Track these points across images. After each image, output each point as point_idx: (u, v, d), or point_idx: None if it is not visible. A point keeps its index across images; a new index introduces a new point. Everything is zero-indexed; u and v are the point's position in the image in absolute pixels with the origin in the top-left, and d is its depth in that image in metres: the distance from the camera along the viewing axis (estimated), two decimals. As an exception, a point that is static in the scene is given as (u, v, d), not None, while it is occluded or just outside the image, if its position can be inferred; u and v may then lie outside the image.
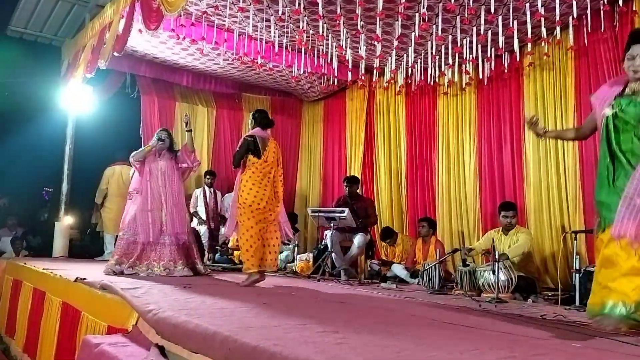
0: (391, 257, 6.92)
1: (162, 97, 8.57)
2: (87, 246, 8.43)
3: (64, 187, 7.98)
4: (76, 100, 7.83)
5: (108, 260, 7.52)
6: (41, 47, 8.58)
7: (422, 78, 6.94)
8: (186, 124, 5.53)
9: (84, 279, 4.14)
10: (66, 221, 7.91)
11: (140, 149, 5.64)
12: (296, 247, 7.15)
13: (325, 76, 7.35)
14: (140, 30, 6.14)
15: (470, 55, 6.13)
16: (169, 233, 5.30)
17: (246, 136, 4.79)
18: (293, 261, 7.15)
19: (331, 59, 6.64)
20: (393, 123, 7.96)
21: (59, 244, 7.68)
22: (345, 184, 6.82)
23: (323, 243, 6.92)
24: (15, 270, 6.11)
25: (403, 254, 6.71)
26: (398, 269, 6.37)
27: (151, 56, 7.75)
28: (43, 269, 5.16)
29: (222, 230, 5.69)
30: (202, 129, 8.94)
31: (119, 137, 8.15)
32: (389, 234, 6.90)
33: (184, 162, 5.57)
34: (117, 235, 7.81)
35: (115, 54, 6.20)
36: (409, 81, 7.16)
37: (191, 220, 8.22)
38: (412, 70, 6.95)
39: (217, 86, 8.79)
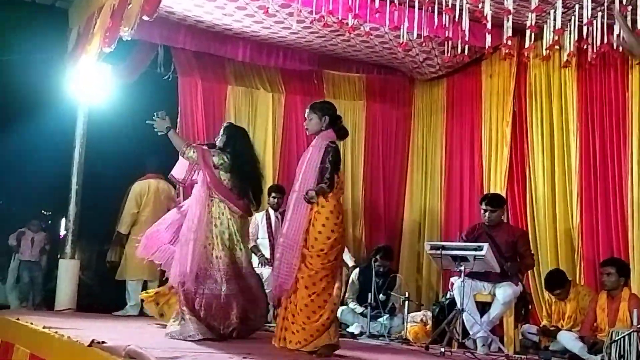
0: (556, 318, 6.77)
1: (208, 79, 8.90)
2: (101, 295, 8.83)
3: (72, 209, 8.40)
4: (89, 85, 8.25)
5: (129, 314, 7.94)
6: (41, 11, 9.09)
7: (605, 41, 6.75)
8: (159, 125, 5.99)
9: (103, 342, 4.32)
10: (72, 258, 8.31)
11: None
12: (406, 302, 7.13)
13: (451, 42, 7.31)
14: (180, -17, 6.42)
15: (685, 4, 5.89)
16: None
17: (331, 142, 5.06)
18: (402, 323, 7.15)
19: (460, 16, 6.61)
20: (557, 111, 7.80)
21: (65, 291, 8.09)
22: (483, 207, 6.75)
23: (449, 296, 6.86)
24: (5, 328, 6.44)
25: (577, 314, 6.56)
26: (568, 339, 6.21)
27: (193, 20, 8.08)
28: (44, 328, 5.44)
29: None
30: (265, 124, 9.21)
31: (148, 137, 8.45)
32: (559, 281, 6.76)
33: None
34: (146, 282, 8.18)
35: (145, 18, 6.46)
36: (584, 46, 6.97)
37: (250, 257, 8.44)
38: (587, 29, 6.77)
39: (288, 61, 9.02)
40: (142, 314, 8.13)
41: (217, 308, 5.70)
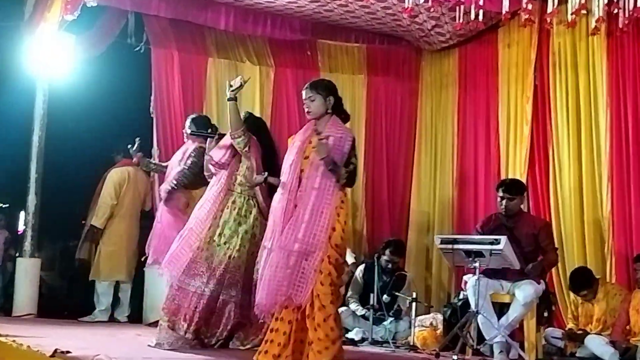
0: (584, 321, 6.81)
1: (185, 51, 8.89)
2: (66, 298, 8.84)
3: (31, 200, 8.42)
4: (49, 58, 8.23)
5: (97, 320, 7.98)
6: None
7: (639, 5, 6.75)
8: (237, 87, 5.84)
9: (67, 352, 4.36)
10: (33, 257, 8.32)
11: None
12: (414, 304, 7.16)
13: (463, 6, 7.29)
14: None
15: None
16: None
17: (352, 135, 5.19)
18: (409, 327, 7.19)
19: (473, -23, 6.61)
20: (584, 85, 7.80)
21: (25, 294, 8.11)
22: (499, 194, 6.74)
23: (462, 296, 6.91)
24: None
25: (607, 316, 6.58)
26: (597, 344, 6.24)
27: (169, -18, 8.10)
28: (0, 336, 5.48)
29: None
30: (251, 101, 9.15)
31: (118, 117, 8.46)
32: (585, 281, 6.76)
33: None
34: (118, 283, 8.22)
35: (113, -20, 6.48)
36: (614, 11, 6.97)
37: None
38: (619, -9, 6.78)
39: (277, 30, 8.97)
40: (112, 319, 8.17)
41: (212, 312, 5.80)
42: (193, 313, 5.71)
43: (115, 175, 8.21)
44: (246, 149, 5.99)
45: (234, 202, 5.97)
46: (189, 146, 7.17)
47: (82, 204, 8.42)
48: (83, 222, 8.52)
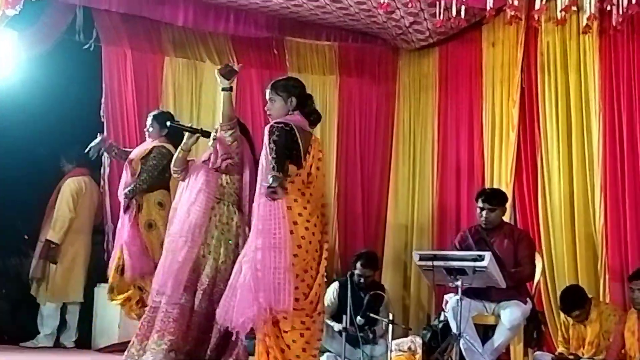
0: (576, 345, 6.83)
1: (139, 48, 8.84)
2: (6, 321, 8.72)
3: (-29, 213, 8.33)
4: (-10, 57, 8.16)
5: (41, 345, 7.90)
6: None
7: (633, 1, 6.78)
8: (226, 73, 6.01)
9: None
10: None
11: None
12: (390, 327, 7.13)
13: (444, 1, 7.31)
14: None
15: None
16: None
17: (277, 123, 5.08)
18: (386, 352, 7.14)
19: (455, -30, 6.63)
20: (575, 88, 7.83)
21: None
22: (479, 205, 6.80)
23: (442, 318, 6.90)
24: None
25: (600, 339, 6.61)
26: (590, 370, 6.27)
27: (121, -26, 8.05)
28: None
29: None
30: (212, 104, 9.07)
31: (67, 121, 8.38)
32: (577, 301, 6.79)
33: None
34: (65, 305, 8.15)
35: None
36: (607, 7, 7.01)
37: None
38: (612, -14, 6.81)
39: (240, 26, 8.97)
40: (57, 344, 8.06)
41: (201, 330, 5.82)
42: (187, 330, 5.74)
43: (72, 185, 8.17)
44: (235, 143, 6.07)
45: (212, 208, 6.01)
46: (148, 145, 7.30)
47: (25, 217, 8.32)
48: (27, 237, 8.43)
